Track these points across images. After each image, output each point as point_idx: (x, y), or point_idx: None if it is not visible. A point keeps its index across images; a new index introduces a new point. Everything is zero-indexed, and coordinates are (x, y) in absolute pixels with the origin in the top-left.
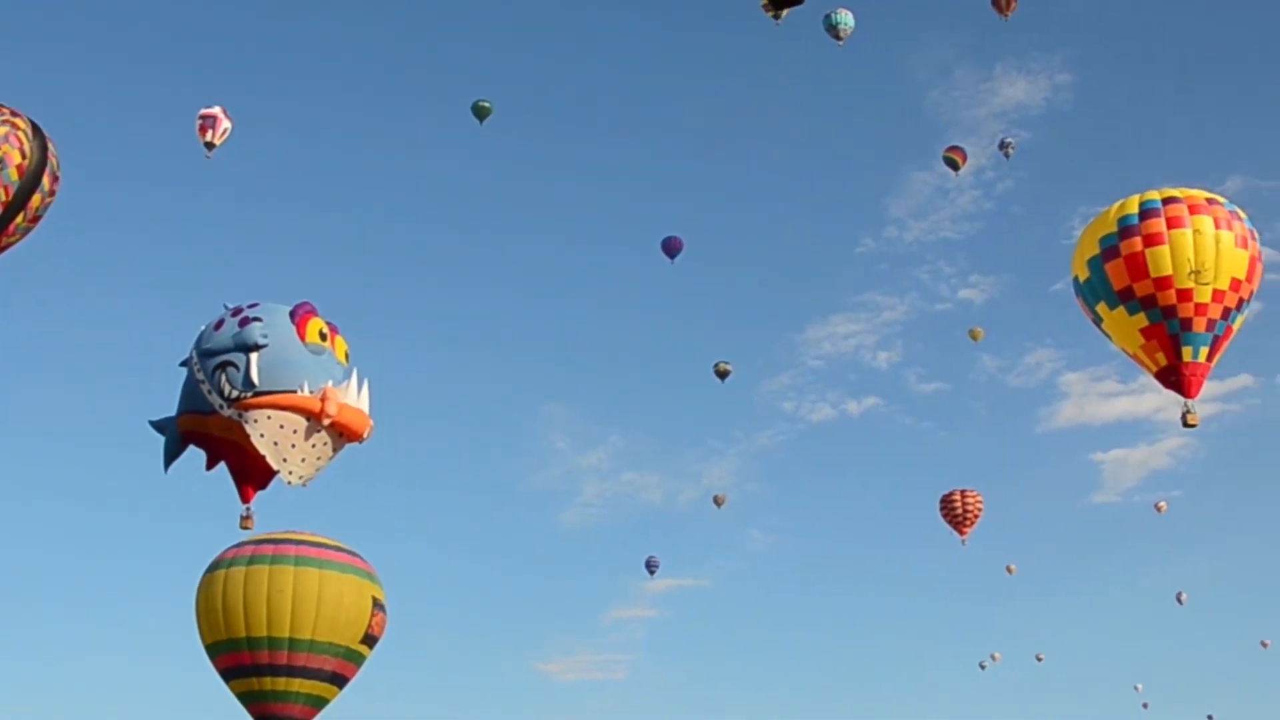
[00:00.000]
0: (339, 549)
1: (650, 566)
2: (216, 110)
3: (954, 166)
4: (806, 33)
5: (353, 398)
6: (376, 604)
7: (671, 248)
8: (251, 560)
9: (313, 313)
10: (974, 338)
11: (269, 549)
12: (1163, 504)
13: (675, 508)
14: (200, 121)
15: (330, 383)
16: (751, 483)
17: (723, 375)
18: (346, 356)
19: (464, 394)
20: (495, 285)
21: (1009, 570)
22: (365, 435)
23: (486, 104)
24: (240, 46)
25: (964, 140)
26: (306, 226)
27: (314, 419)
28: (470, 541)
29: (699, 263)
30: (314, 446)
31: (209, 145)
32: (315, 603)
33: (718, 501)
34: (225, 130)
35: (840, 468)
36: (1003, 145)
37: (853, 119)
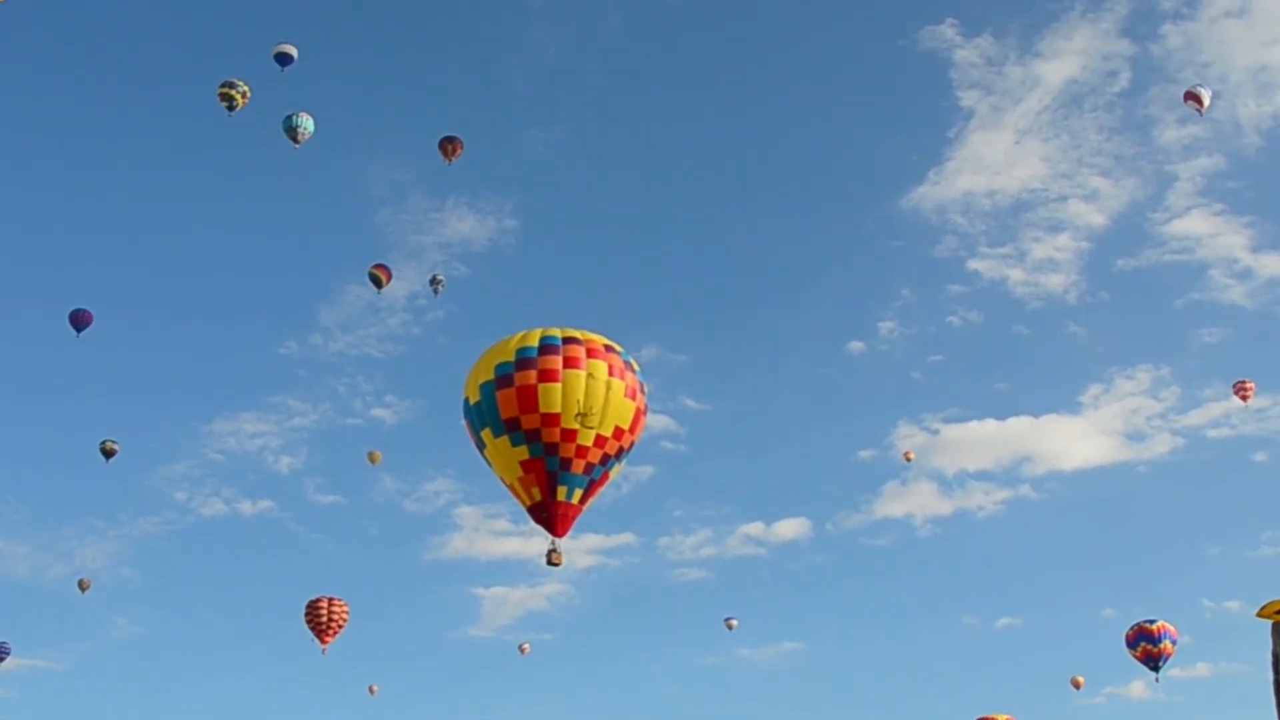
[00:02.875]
0: None
1: (0, 653)
2: None
3: (378, 284)
4: (266, 130)
5: None
6: None
7: (80, 321)
8: None
9: None
10: (372, 460)
11: None
12: (526, 645)
13: (40, 583)
14: None
15: None
16: (127, 567)
17: (108, 454)
18: None
19: None
20: None
21: (371, 690)
22: None
23: None
24: None
25: (405, 265)
26: None
27: None
28: None
29: (109, 338)
30: None
31: None
32: None
33: (82, 586)
34: None
35: (222, 566)
36: (433, 281)
37: (300, 221)
